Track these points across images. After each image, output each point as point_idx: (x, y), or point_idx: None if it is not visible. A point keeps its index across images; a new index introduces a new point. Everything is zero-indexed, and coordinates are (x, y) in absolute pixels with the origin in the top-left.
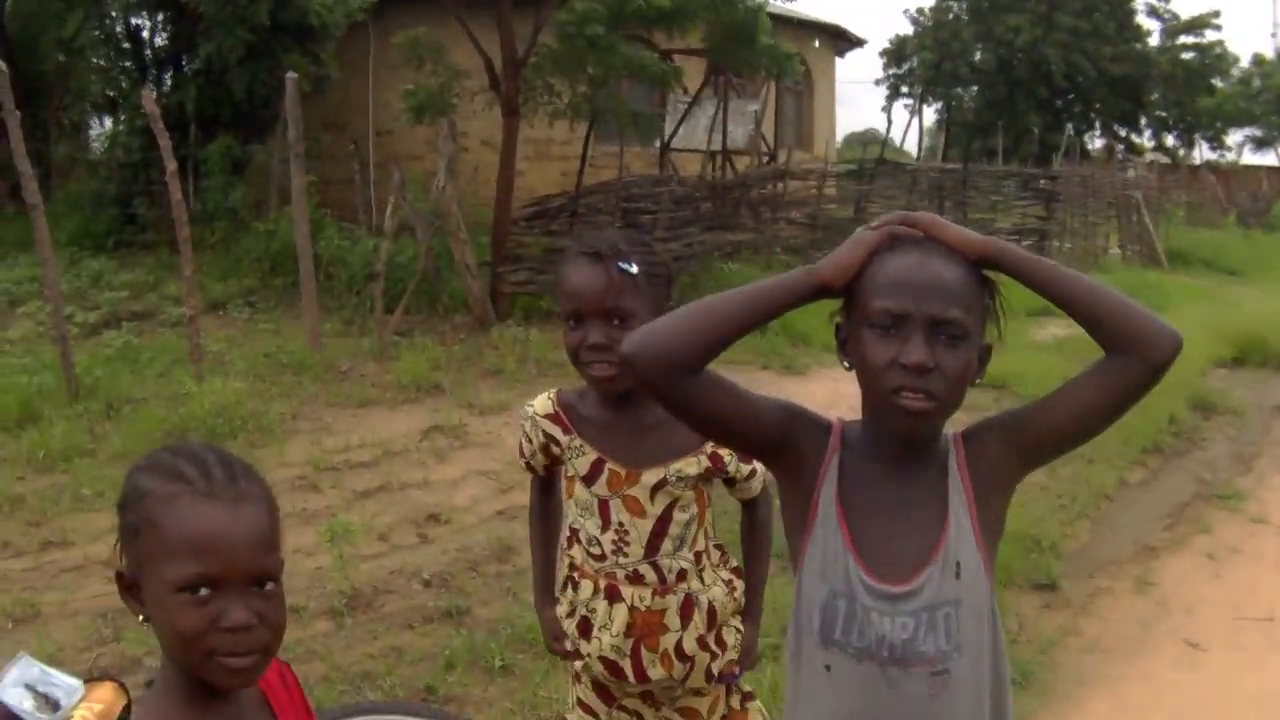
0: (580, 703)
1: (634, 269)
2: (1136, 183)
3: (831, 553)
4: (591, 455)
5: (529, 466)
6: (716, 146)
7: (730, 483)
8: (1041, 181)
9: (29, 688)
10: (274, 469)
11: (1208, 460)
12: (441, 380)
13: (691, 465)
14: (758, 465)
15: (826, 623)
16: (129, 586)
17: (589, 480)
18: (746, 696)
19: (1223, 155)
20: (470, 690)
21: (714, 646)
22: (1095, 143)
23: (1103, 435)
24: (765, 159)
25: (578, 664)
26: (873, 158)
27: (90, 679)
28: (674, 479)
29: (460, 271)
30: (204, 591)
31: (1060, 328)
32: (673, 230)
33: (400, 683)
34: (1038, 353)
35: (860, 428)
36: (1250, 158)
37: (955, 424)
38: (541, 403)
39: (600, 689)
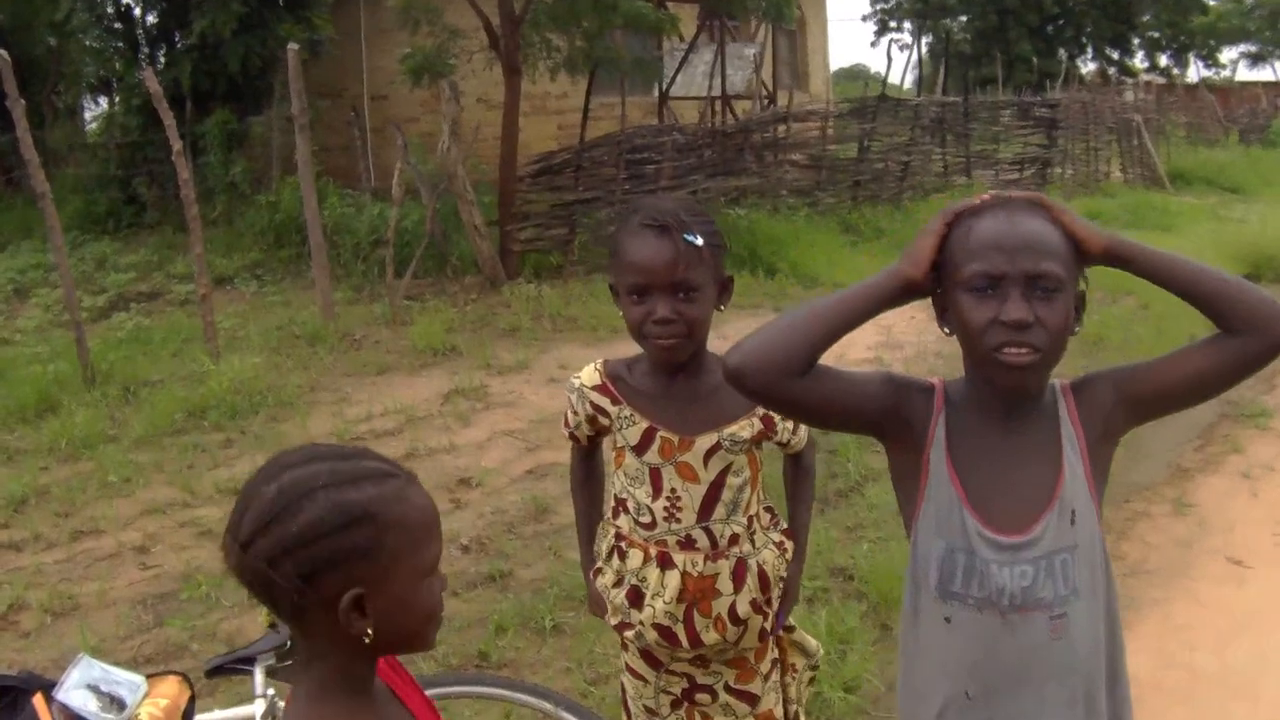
0: (629, 668)
1: (699, 241)
2: (1136, 105)
3: (946, 509)
4: (642, 424)
5: (573, 436)
6: (715, 92)
7: (782, 444)
8: (1042, 109)
9: (92, 688)
10: (298, 442)
11: None
12: (457, 342)
13: (744, 429)
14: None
15: (945, 576)
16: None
17: (640, 449)
18: (788, 628)
19: (1218, 73)
20: (524, 653)
21: (766, 608)
22: (1088, 66)
23: (1123, 359)
24: (766, 102)
25: (629, 633)
26: (874, 95)
27: (152, 674)
28: (728, 443)
29: (469, 232)
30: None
31: None
32: (677, 179)
33: (452, 651)
34: None
35: (964, 386)
36: (1246, 74)
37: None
38: (588, 374)
39: (648, 656)
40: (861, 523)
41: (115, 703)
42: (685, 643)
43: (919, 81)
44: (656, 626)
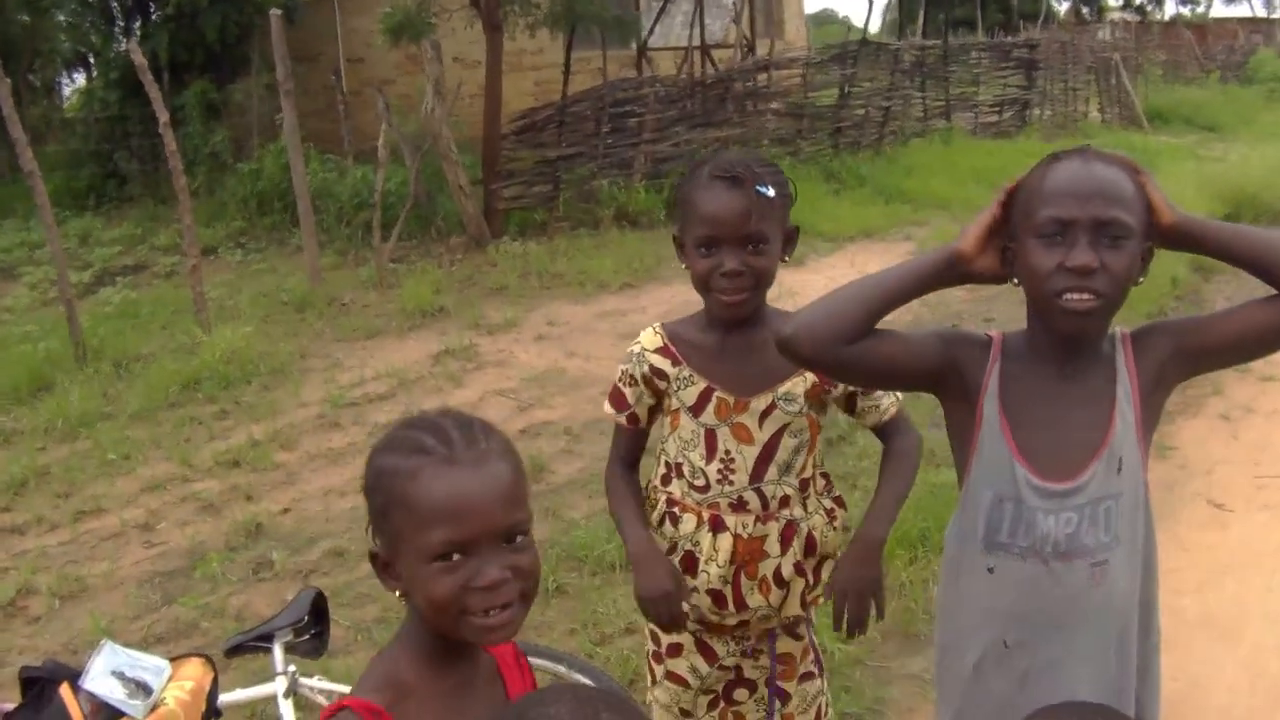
0: (671, 676)
1: (771, 192)
2: (1115, 44)
3: (996, 458)
4: (700, 385)
5: (630, 419)
6: (694, 43)
7: (851, 405)
8: (1021, 50)
9: (117, 674)
10: (292, 410)
11: None
12: (445, 303)
13: (798, 384)
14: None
15: (991, 527)
16: (384, 566)
17: (696, 410)
18: (838, 501)
19: (1193, 9)
20: (530, 615)
21: (810, 575)
22: (1061, 5)
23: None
24: (745, 51)
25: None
26: (854, 40)
27: (175, 657)
28: (782, 401)
29: (454, 192)
30: (456, 557)
31: None
32: (659, 131)
33: None
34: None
35: (1023, 337)
36: (1221, 9)
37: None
38: (648, 338)
39: (704, 649)
40: (852, 470)
41: (141, 688)
42: (731, 605)
43: (898, 26)
44: (710, 592)
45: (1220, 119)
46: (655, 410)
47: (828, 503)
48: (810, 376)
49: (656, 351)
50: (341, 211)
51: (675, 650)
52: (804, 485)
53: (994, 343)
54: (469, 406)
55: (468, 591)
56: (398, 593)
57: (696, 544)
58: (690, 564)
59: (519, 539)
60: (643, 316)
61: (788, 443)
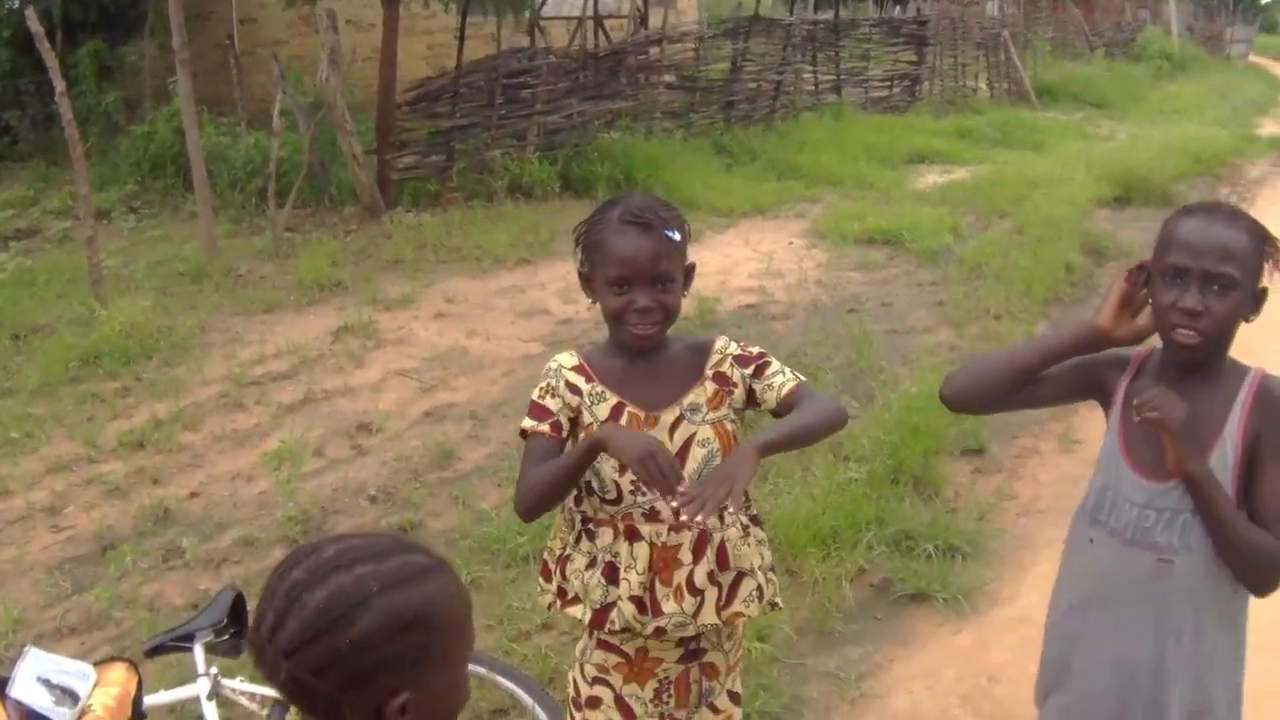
0: (597, 679)
1: (678, 237)
2: (1003, 20)
3: (1110, 451)
4: (612, 400)
5: (554, 426)
6: (588, 12)
7: (752, 399)
8: (912, 26)
9: (43, 681)
10: (195, 388)
11: None
12: (342, 277)
13: (699, 395)
14: (774, 364)
15: (1097, 505)
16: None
17: (609, 424)
18: (754, 519)
19: None
20: None
21: (725, 589)
22: None
23: (1004, 288)
24: (639, 23)
25: (612, 614)
26: (746, 14)
27: (99, 661)
28: (688, 412)
29: (348, 162)
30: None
31: (939, 174)
32: (552, 103)
33: None
34: (922, 203)
35: (1159, 355)
36: None
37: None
38: (565, 358)
39: (622, 706)
40: (764, 468)
41: (68, 695)
42: (649, 613)
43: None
44: (633, 599)
45: (1108, 96)
46: (573, 427)
47: (744, 518)
48: (710, 386)
49: (572, 369)
50: (235, 178)
51: (594, 703)
52: None
53: (1133, 359)
54: (371, 388)
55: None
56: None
57: (615, 554)
58: (611, 574)
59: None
60: (541, 293)
61: (697, 452)
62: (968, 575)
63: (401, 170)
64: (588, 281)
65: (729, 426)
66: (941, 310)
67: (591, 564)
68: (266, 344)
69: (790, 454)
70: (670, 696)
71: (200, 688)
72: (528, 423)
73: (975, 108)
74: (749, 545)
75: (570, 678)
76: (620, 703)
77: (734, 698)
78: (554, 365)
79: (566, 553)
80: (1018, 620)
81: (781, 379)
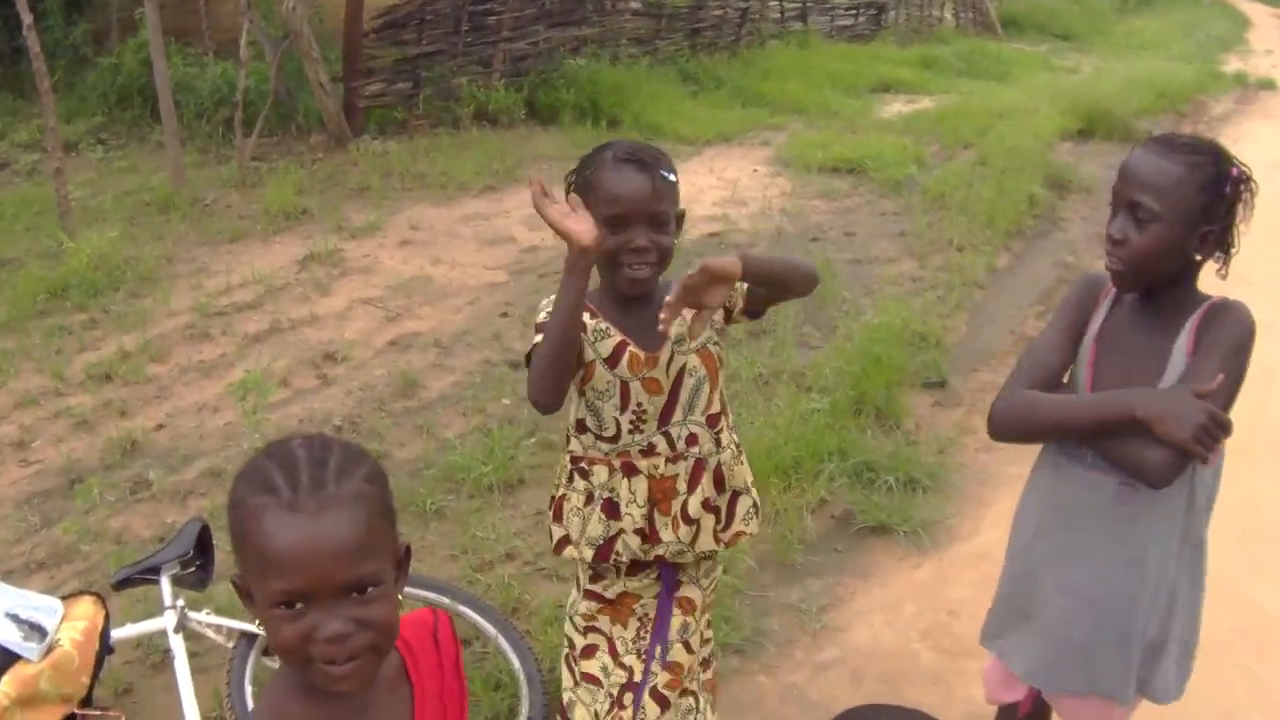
0: (586, 675)
1: (673, 178)
2: None
3: (1079, 378)
4: (616, 338)
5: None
6: None
7: (728, 311)
8: None
9: (11, 616)
10: (162, 319)
11: (1068, 241)
12: (308, 205)
13: (681, 325)
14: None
15: None
16: (245, 593)
17: (612, 362)
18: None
19: None
20: (409, 540)
21: (724, 511)
22: None
23: (967, 219)
24: None
25: (618, 546)
26: None
27: (66, 595)
28: (675, 344)
29: (314, 90)
30: (298, 605)
31: (903, 104)
32: (519, 29)
33: None
34: (886, 132)
35: None
36: None
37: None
38: None
39: (611, 648)
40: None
41: (36, 630)
42: (649, 541)
43: None
44: (637, 531)
45: (1074, 27)
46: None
47: (736, 437)
48: (687, 315)
49: None
50: (202, 108)
51: (590, 652)
52: (712, 421)
53: (1103, 292)
54: (337, 316)
55: (311, 641)
56: (258, 622)
57: (613, 490)
58: (612, 510)
59: (370, 590)
60: (506, 220)
61: (687, 382)
62: (928, 509)
63: (368, 98)
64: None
65: (712, 350)
66: (904, 240)
67: (589, 500)
68: (233, 274)
69: (753, 383)
70: (646, 633)
71: (167, 620)
72: (537, 338)
73: (941, 37)
74: (742, 464)
75: (564, 635)
76: (610, 644)
77: (704, 641)
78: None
79: (562, 493)
80: (978, 556)
81: (743, 285)
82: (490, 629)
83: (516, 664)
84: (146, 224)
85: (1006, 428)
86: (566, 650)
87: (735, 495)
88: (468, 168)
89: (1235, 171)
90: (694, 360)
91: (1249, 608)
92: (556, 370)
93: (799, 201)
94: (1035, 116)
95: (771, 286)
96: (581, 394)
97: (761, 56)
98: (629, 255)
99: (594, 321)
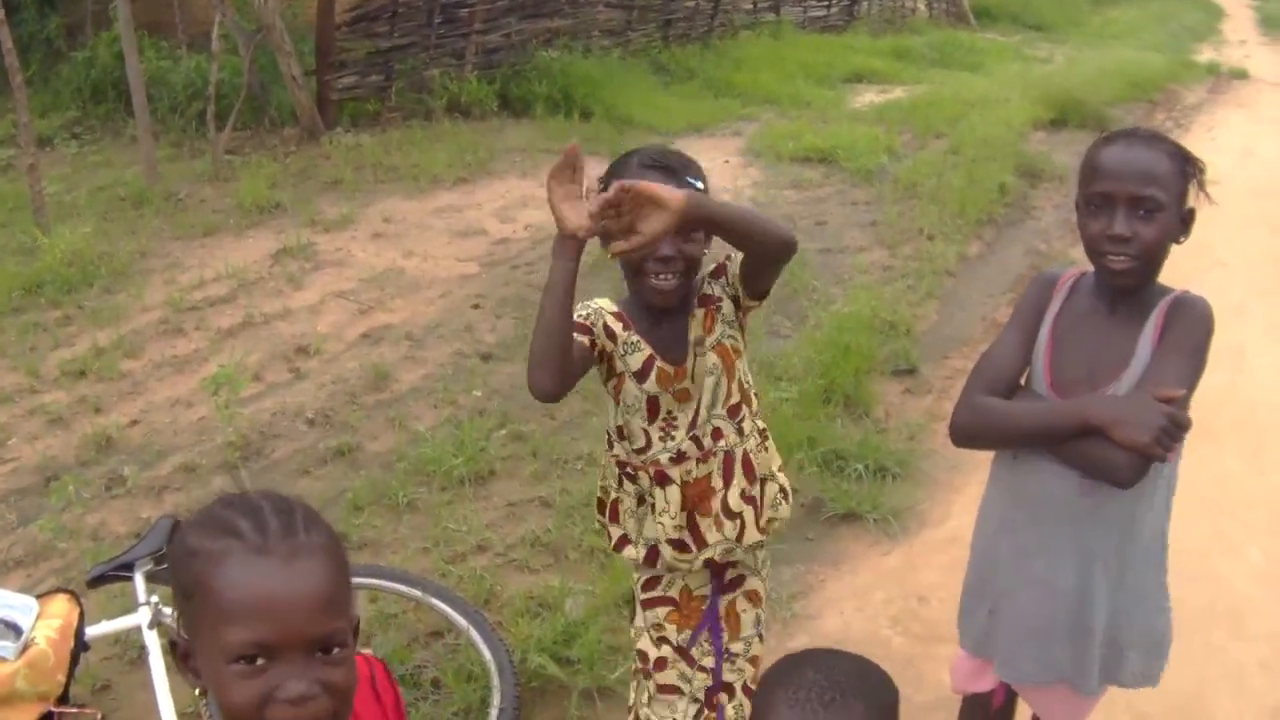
0: (662, 688)
1: (701, 185)
2: None
3: (1037, 370)
4: (645, 352)
5: (582, 329)
6: None
7: (736, 296)
8: None
9: None
10: (136, 315)
11: (1040, 229)
12: (282, 198)
13: (696, 326)
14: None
15: None
16: (184, 657)
17: (640, 377)
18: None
19: None
20: (382, 532)
21: (759, 500)
22: None
23: (938, 208)
24: None
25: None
26: None
27: (42, 594)
28: (696, 347)
29: (287, 83)
30: (260, 661)
31: (875, 94)
32: (490, 21)
33: None
34: (858, 123)
35: (1093, 276)
36: None
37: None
38: (605, 302)
39: (683, 654)
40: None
41: (11, 629)
42: (693, 547)
43: None
44: (671, 542)
45: (1047, 18)
46: (601, 360)
47: (761, 423)
48: (699, 312)
49: (612, 314)
50: (176, 101)
51: (661, 665)
52: (733, 411)
53: (1061, 281)
54: (310, 310)
55: (270, 701)
56: (197, 691)
57: (653, 496)
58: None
59: (335, 651)
60: (478, 212)
61: (707, 381)
62: (898, 496)
63: (340, 91)
64: (607, 236)
65: (728, 344)
66: (875, 230)
67: (640, 502)
68: (206, 268)
69: None
70: (724, 632)
71: (141, 617)
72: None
73: (913, 28)
74: (766, 450)
75: (635, 652)
76: (682, 653)
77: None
78: (594, 305)
79: (615, 497)
80: (947, 541)
81: (737, 260)
82: (462, 621)
83: (488, 655)
84: (120, 219)
85: (967, 437)
86: (637, 665)
87: (763, 482)
88: (440, 160)
89: (1191, 155)
90: (712, 358)
91: (1219, 586)
92: (547, 355)
93: (770, 191)
94: (1007, 106)
95: (730, 238)
96: (617, 403)
97: (734, 47)
98: (654, 264)
99: (625, 333)
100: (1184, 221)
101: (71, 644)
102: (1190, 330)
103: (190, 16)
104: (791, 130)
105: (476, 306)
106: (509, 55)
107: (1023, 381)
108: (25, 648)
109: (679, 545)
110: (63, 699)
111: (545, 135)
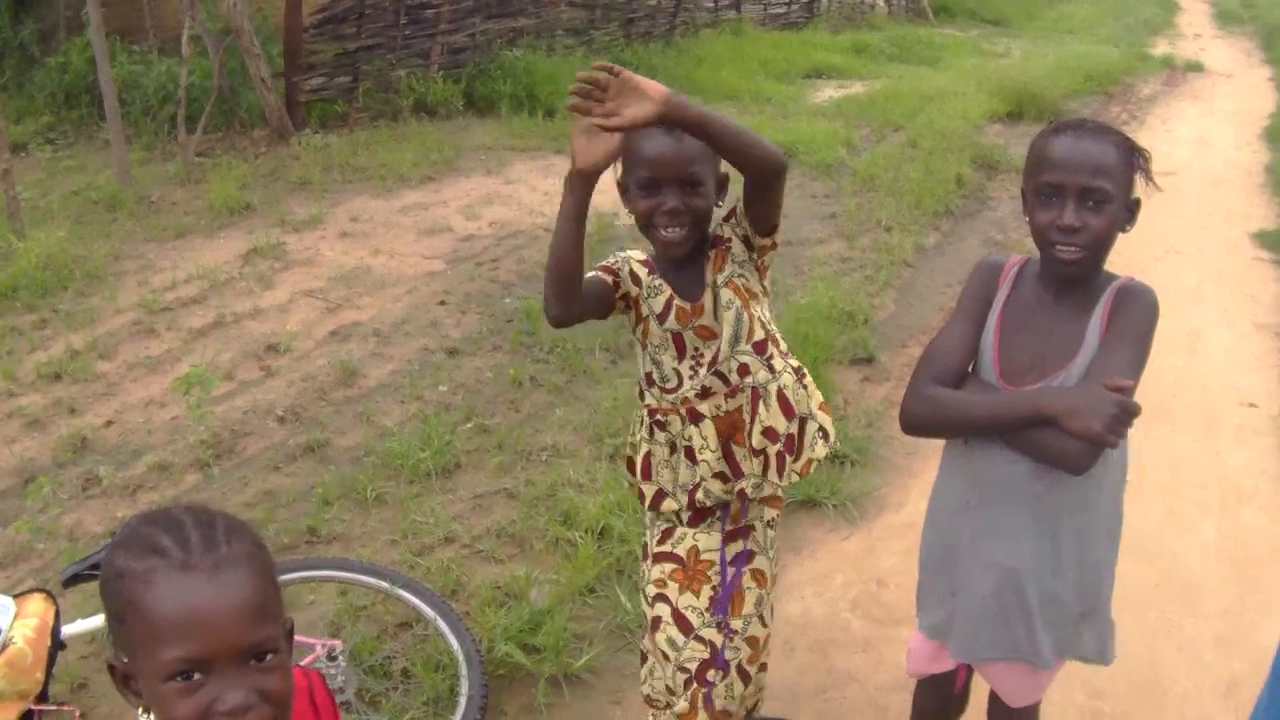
0: (657, 597)
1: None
2: None
3: (985, 358)
4: (666, 293)
5: (607, 270)
6: None
7: (746, 237)
8: None
9: None
10: (110, 317)
11: (997, 220)
12: (252, 199)
13: (709, 268)
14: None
15: None
16: (124, 679)
17: (662, 317)
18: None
19: None
20: (351, 526)
21: (796, 437)
22: None
23: (896, 200)
24: None
25: (698, 494)
26: None
27: (17, 594)
28: (710, 286)
29: (256, 85)
30: (196, 676)
31: (835, 89)
32: (455, 22)
33: (282, 529)
34: (817, 117)
35: (1038, 263)
36: None
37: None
38: (635, 252)
39: (680, 619)
40: None
41: None
42: (732, 477)
43: None
44: (717, 475)
45: (1005, 13)
46: (629, 307)
47: (794, 362)
48: (711, 254)
49: (639, 262)
50: (148, 105)
51: (655, 624)
52: (760, 348)
53: (1006, 268)
54: (279, 309)
55: (210, 715)
56: (141, 710)
57: (689, 438)
58: (691, 456)
59: (268, 657)
60: (444, 210)
61: (727, 315)
62: (857, 482)
63: (309, 92)
64: (624, 192)
65: (738, 282)
66: (834, 222)
67: (673, 450)
68: (178, 270)
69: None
70: (729, 603)
71: None
72: (590, 273)
73: (873, 24)
74: (805, 388)
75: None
76: (678, 617)
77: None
78: (622, 255)
79: (646, 450)
80: (906, 526)
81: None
82: (429, 611)
83: (455, 645)
84: (94, 222)
85: (917, 426)
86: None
87: (803, 421)
88: (406, 159)
89: (1137, 146)
90: (728, 293)
91: (1173, 564)
92: (557, 280)
93: (730, 186)
94: (964, 99)
95: (717, 146)
96: (644, 348)
97: (695, 45)
98: (661, 218)
99: (650, 278)
100: (1130, 211)
101: (49, 643)
102: (1137, 318)
103: (161, 21)
104: (752, 125)
105: (442, 303)
106: (474, 55)
107: (971, 369)
108: (3, 647)
109: (720, 477)
110: (42, 697)
111: (510, 133)
